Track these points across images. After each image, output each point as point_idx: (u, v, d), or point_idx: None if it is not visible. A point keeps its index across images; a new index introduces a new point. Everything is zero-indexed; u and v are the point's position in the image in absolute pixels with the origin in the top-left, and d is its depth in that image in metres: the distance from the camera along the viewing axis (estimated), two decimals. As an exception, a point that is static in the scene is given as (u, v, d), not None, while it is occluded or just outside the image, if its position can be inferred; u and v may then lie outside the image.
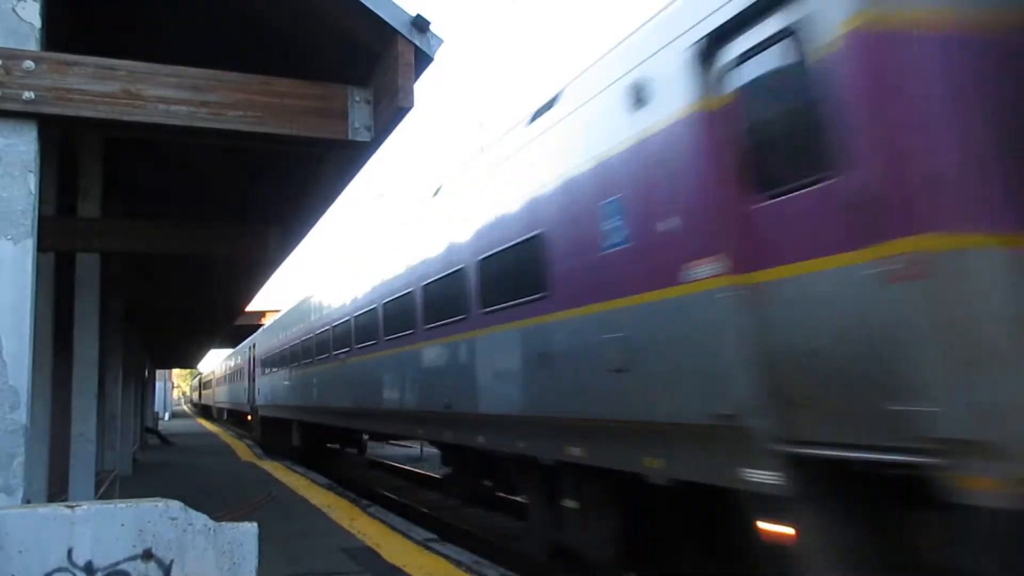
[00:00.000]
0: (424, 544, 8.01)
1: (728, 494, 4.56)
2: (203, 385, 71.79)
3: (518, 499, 14.39)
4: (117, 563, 3.65)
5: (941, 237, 3.37)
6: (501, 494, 11.70)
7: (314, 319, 17.30)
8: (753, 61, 4.37)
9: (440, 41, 5.05)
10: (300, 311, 19.57)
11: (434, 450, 23.88)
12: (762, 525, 4.42)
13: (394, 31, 4.87)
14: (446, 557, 7.34)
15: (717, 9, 4.60)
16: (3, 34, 4.27)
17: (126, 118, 4.59)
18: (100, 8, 6.10)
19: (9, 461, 4.04)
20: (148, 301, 15.37)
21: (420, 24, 4.92)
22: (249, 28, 5.93)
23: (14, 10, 4.27)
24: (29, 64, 4.29)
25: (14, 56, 4.26)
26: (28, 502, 4.15)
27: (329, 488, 13.21)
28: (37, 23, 4.32)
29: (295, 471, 16.52)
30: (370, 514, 10.17)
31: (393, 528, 9.07)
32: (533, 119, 7.05)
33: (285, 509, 10.81)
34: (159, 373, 51.53)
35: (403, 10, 4.90)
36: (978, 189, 3.42)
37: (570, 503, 6.62)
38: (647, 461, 5.19)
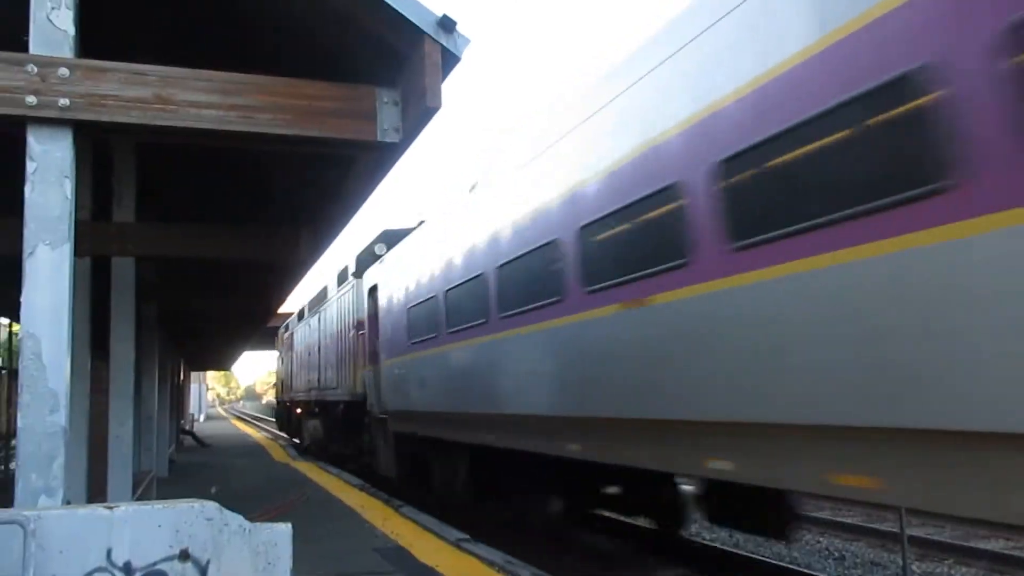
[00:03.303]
0: (456, 544, 8.01)
1: None
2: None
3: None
4: (155, 563, 3.70)
5: None
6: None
7: None
8: None
9: (467, 41, 5.05)
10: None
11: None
12: None
13: (421, 32, 4.88)
14: (478, 557, 7.34)
15: None
16: (38, 42, 4.34)
17: (158, 123, 4.65)
18: (128, 13, 6.18)
19: (49, 463, 4.11)
20: (182, 304, 15.58)
21: (447, 24, 4.92)
22: (277, 31, 5.98)
23: (48, 18, 4.34)
24: (64, 71, 4.36)
25: (50, 64, 4.34)
26: (68, 503, 4.22)
27: (362, 488, 13.28)
28: (71, 30, 4.39)
29: (328, 471, 16.63)
30: (403, 514, 10.21)
31: (426, 528, 9.09)
32: None
33: (319, 509, 10.89)
34: (194, 376, 52.13)
35: (430, 11, 4.91)
36: None
37: None
38: None
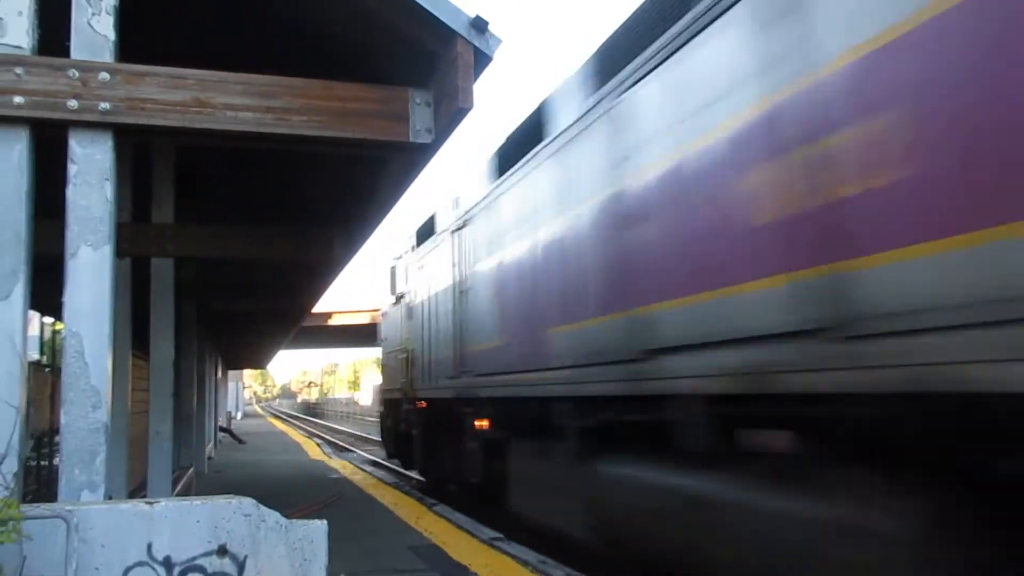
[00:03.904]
0: (490, 543, 8.03)
1: None
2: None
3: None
4: (194, 558, 3.76)
5: None
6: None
7: None
8: None
9: (499, 41, 5.06)
10: None
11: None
12: None
13: (453, 33, 4.90)
14: (512, 556, 7.34)
15: None
16: (80, 47, 4.44)
17: (196, 125, 4.73)
18: (166, 18, 6.29)
19: (92, 458, 4.20)
20: (220, 304, 15.81)
21: (479, 25, 4.94)
22: (312, 34, 6.04)
23: (89, 23, 4.43)
24: (104, 76, 4.45)
25: (91, 68, 4.43)
26: (110, 498, 4.31)
27: (396, 487, 13.38)
28: (111, 35, 4.48)
29: (364, 470, 16.76)
30: (436, 512, 10.25)
31: (459, 527, 9.12)
32: None
33: (353, 507, 10.98)
34: (231, 374, 52.83)
35: (462, 11, 4.92)
36: None
37: None
38: None
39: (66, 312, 4.31)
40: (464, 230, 9.95)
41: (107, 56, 4.47)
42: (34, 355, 18.60)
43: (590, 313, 6.30)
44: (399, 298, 14.85)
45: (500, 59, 5.06)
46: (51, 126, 4.39)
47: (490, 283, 8.85)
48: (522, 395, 7.87)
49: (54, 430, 12.91)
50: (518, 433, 8.53)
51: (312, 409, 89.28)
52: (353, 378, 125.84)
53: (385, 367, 17.22)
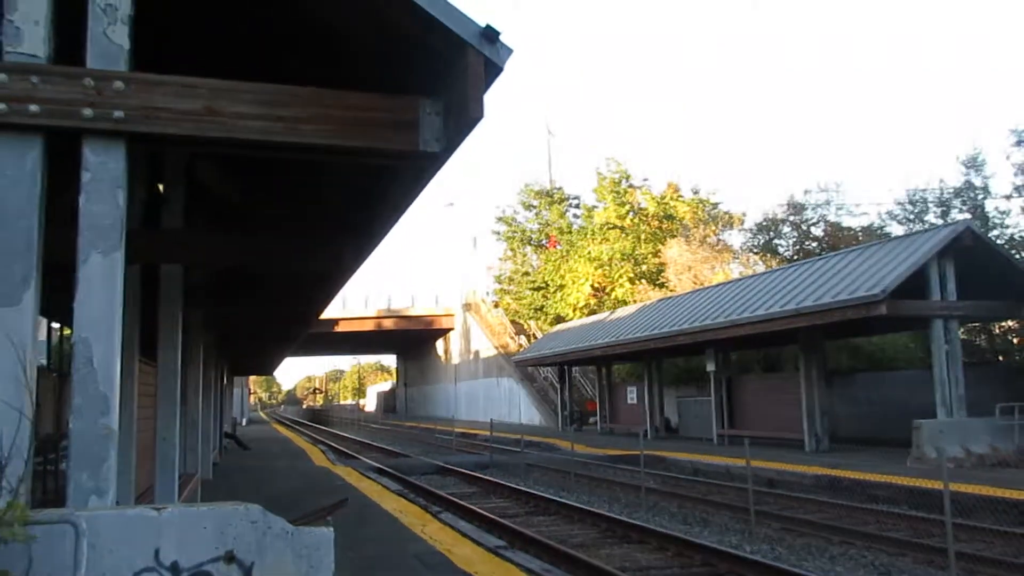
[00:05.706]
0: (494, 551, 8.03)
1: None
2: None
3: (588, 508, 14.30)
4: (201, 564, 3.77)
5: None
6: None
7: None
8: None
9: (510, 51, 5.08)
10: None
11: (504, 457, 23.78)
12: None
13: (464, 43, 4.92)
14: (516, 564, 7.34)
15: None
16: (95, 56, 4.48)
17: (207, 134, 4.75)
18: (179, 28, 6.34)
19: (100, 464, 4.21)
20: (227, 311, 15.84)
21: (490, 35, 4.95)
22: (324, 44, 6.08)
23: (104, 33, 4.47)
24: (119, 85, 4.48)
25: (105, 77, 4.46)
26: (117, 504, 4.32)
27: (400, 494, 13.37)
28: (126, 45, 4.52)
29: (368, 477, 16.76)
30: (441, 520, 10.25)
31: (463, 534, 9.13)
32: None
33: (359, 514, 10.98)
34: (237, 380, 52.86)
35: (473, 21, 4.94)
36: None
37: None
38: None
39: (76, 318, 4.34)
40: None
41: (122, 65, 4.51)
42: (42, 360, 18.65)
43: None
44: None
45: (511, 69, 5.09)
46: (65, 134, 4.42)
47: None
48: None
49: (62, 435, 12.96)
50: None
51: (317, 416, 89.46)
52: (358, 384, 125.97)
53: None
